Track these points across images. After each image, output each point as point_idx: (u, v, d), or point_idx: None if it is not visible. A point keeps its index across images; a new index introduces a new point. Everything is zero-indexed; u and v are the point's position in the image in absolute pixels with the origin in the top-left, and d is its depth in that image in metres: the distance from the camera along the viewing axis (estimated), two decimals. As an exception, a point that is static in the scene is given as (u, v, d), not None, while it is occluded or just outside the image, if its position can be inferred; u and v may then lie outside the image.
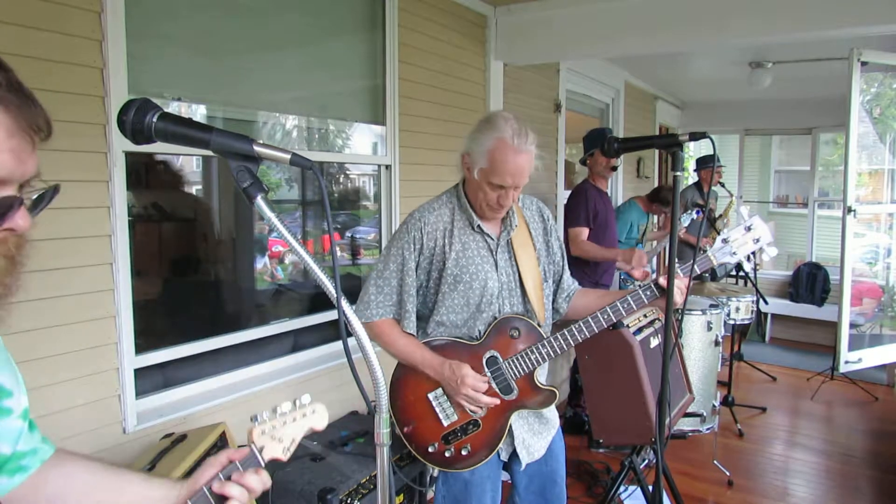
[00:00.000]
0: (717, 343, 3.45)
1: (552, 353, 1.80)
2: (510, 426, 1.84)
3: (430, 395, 1.82)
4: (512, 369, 1.80)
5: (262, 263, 3.28)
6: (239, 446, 1.07)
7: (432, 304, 1.85)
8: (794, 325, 6.97)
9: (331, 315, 2.90)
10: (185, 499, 0.97)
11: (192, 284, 2.85)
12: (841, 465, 3.89)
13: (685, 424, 3.24)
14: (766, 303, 5.14)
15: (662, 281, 1.73)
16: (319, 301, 3.03)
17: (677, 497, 2.66)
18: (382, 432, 1.08)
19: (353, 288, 3.33)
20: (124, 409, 2.05)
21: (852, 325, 3.91)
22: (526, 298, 1.88)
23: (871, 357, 4.05)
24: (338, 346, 2.87)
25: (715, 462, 3.64)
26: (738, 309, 4.16)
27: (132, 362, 2.08)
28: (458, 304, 1.82)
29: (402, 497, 2.43)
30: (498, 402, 1.80)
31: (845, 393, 5.17)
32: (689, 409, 3.00)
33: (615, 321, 1.81)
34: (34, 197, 0.77)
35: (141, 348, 2.12)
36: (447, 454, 1.82)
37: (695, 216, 4.51)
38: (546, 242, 1.96)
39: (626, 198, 5.14)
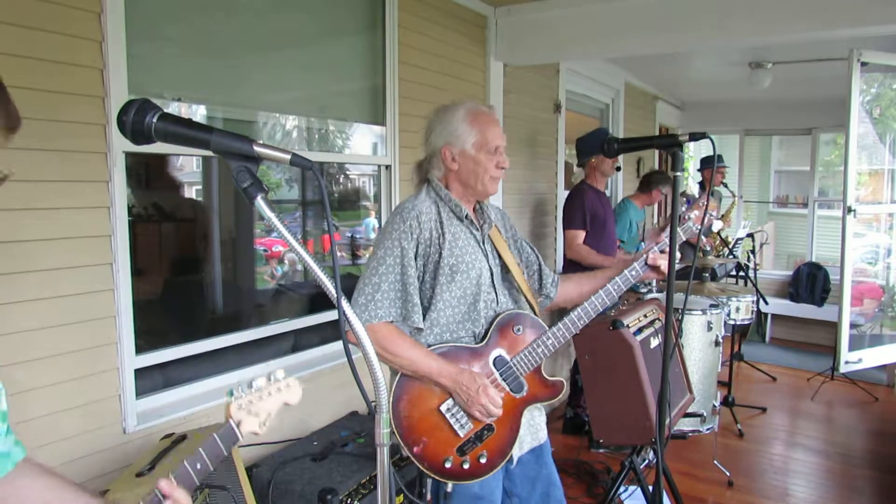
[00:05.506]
0: (717, 343, 3.44)
1: (557, 343, 1.79)
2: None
3: (443, 408, 1.72)
4: (521, 366, 1.78)
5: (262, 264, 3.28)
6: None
7: (427, 301, 1.77)
8: (794, 325, 6.97)
9: (331, 315, 2.90)
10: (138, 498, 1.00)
11: (192, 284, 2.85)
12: (841, 465, 3.88)
13: (685, 424, 3.24)
14: (766, 303, 5.14)
15: (651, 259, 1.85)
16: (319, 301, 3.03)
17: (677, 497, 2.66)
18: (382, 432, 1.08)
19: (352, 288, 3.32)
20: (124, 410, 2.05)
21: (852, 326, 3.92)
22: (516, 289, 1.89)
23: (871, 357, 4.05)
24: (338, 345, 2.87)
25: (715, 462, 3.64)
26: (738, 309, 4.15)
27: (132, 362, 2.08)
28: (456, 296, 1.76)
29: (402, 497, 2.43)
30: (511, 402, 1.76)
31: (845, 393, 5.17)
32: (690, 409, 3.00)
33: (610, 304, 1.84)
34: None
35: (141, 348, 2.12)
36: (465, 465, 1.74)
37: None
38: (513, 238, 2.01)
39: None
